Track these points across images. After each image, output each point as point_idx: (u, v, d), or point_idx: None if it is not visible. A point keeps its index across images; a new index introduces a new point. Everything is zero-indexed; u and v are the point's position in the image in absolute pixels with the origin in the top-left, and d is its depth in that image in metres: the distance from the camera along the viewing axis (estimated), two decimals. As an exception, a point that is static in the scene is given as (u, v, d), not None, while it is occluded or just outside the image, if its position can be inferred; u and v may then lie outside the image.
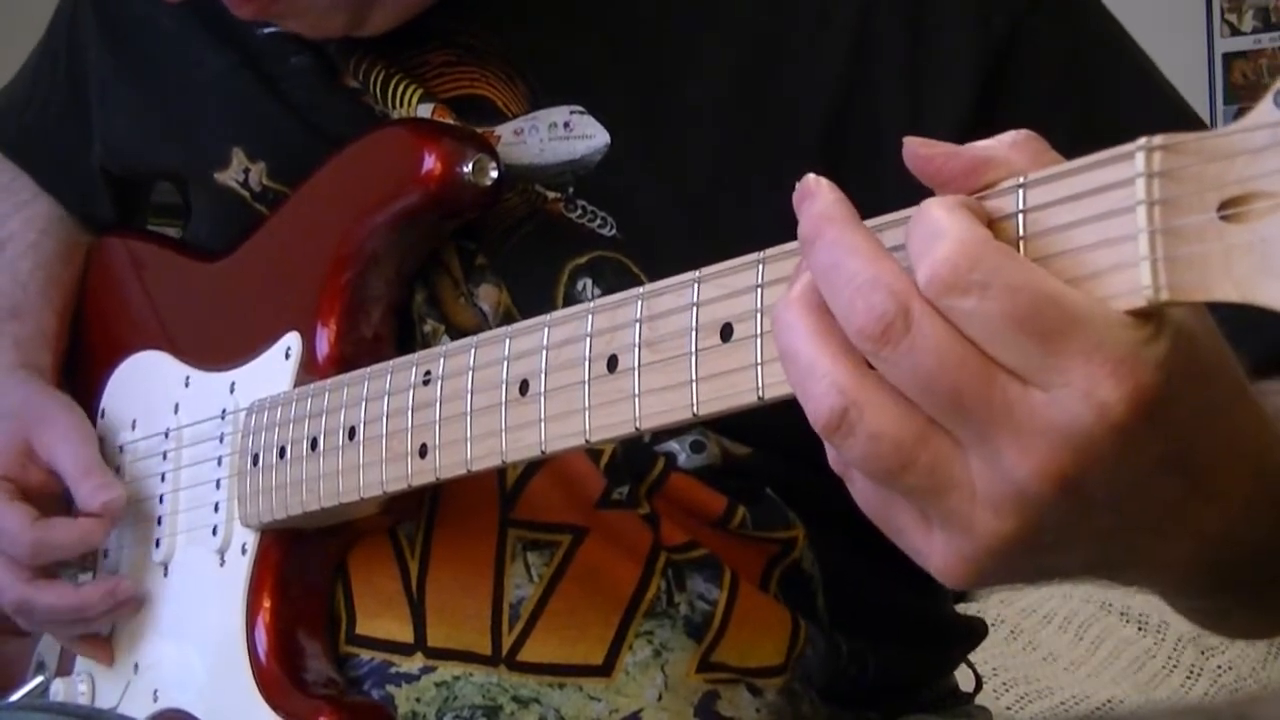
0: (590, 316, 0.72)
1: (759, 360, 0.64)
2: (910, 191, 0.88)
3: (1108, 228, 0.53)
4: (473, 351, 0.79)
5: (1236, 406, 0.58)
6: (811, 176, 0.57)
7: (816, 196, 0.56)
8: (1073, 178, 0.54)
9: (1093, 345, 0.51)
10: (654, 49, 0.93)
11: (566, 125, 0.92)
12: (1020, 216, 0.55)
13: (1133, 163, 0.52)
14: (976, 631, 1.05)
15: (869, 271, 0.53)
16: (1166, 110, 0.90)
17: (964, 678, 1.04)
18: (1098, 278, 0.53)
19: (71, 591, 1.02)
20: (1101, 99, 0.90)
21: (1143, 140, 0.52)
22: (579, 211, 0.91)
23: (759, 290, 0.64)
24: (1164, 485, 0.55)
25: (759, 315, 0.64)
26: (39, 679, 1.13)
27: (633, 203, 0.91)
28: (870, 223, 0.58)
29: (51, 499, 1.04)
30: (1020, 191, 0.55)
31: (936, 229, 0.52)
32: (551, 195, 0.92)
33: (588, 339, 0.72)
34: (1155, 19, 3.47)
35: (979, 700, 1.05)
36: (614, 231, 0.91)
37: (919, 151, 0.56)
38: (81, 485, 1.01)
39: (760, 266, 0.64)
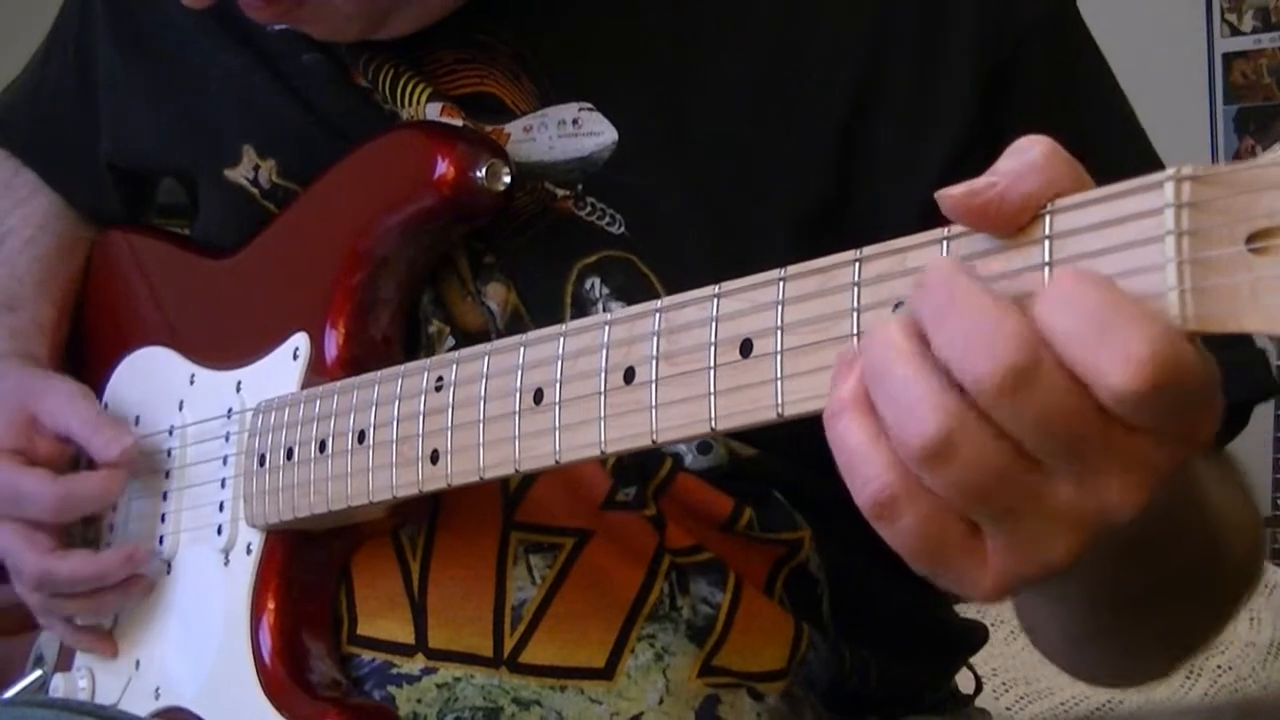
0: (607, 328, 0.72)
1: (778, 375, 0.64)
2: (909, 200, 0.88)
3: (1135, 257, 0.53)
4: (486, 359, 0.79)
5: None
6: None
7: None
8: (1100, 205, 0.55)
9: None
10: (667, 48, 0.93)
11: (575, 122, 0.92)
12: (1046, 243, 0.56)
13: (1162, 192, 0.53)
14: (978, 636, 1.06)
15: (993, 319, 0.54)
16: (1143, 151, 0.93)
17: (964, 680, 1.05)
18: (1124, 307, 0.53)
19: (92, 558, 1.02)
20: (1087, 132, 0.91)
21: (1172, 170, 0.53)
22: (588, 209, 0.92)
23: (779, 306, 0.65)
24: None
25: (779, 332, 0.65)
26: (38, 673, 1.13)
27: (642, 200, 0.91)
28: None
29: (62, 468, 1.05)
30: (1047, 218, 0.56)
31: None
32: (561, 193, 0.92)
33: (604, 350, 0.72)
34: (1155, 19, 3.48)
35: (978, 701, 1.05)
36: (623, 229, 0.91)
37: (961, 200, 0.57)
38: (94, 440, 1.02)
39: (781, 284, 0.65)
